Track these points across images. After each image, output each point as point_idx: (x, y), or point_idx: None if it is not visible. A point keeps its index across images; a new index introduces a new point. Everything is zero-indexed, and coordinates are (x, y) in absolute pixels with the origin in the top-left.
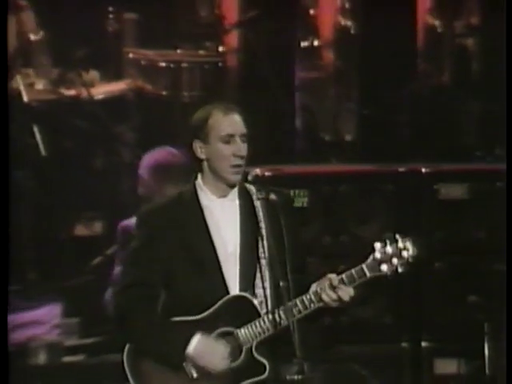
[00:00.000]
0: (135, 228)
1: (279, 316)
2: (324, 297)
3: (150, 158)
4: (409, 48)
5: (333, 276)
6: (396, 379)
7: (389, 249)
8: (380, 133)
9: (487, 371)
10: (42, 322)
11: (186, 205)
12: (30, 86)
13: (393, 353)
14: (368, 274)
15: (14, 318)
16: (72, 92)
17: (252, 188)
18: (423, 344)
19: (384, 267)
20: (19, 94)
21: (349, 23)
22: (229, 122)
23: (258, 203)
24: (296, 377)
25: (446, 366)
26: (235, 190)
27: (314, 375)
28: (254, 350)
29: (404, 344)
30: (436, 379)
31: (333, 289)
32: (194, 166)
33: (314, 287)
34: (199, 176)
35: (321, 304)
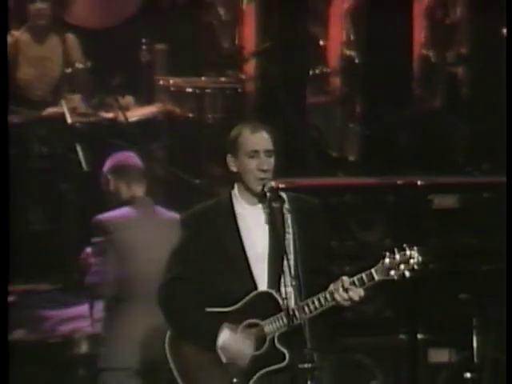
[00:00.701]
0: (179, 230)
1: (295, 314)
2: (337, 296)
3: (112, 159)
4: (406, 75)
5: (345, 278)
6: (395, 367)
7: (397, 256)
8: (380, 150)
9: (475, 360)
10: (86, 316)
11: (222, 211)
12: (73, 110)
13: (392, 344)
14: (376, 278)
15: (61, 313)
16: (110, 115)
17: (282, 197)
18: (419, 336)
19: (392, 272)
20: (64, 117)
21: (353, 54)
22: (255, 139)
23: (286, 212)
24: (307, 365)
25: (439, 356)
26: (265, 200)
27: (323, 364)
28: (276, 340)
29: (402, 336)
30: (430, 367)
31: (345, 290)
32: (231, 177)
33: (330, 287)
34: (236, 186)
35: (334, 303)
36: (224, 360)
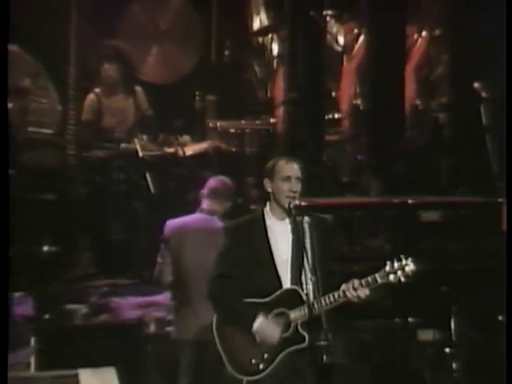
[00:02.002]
0: (223, 237)
1: (314, 306)
2: (348, 294)
3: (215, 180)
4: (400, 119)
5: (355, 280)
6: (391, 344)
7: (395, 265)
8: (381, 176)
9: (453, 338)
10: (159, 304)
11: (256, 224)
12: (143, 146)
13: (389, 326)
14: (379, 281)
15: (136, 300)
16: (171, 150)
17: (300, 214)
18: (409, 320)
19: (391, 277)
20: (136, 151)
21: (359, 102)
22: (288, 168)
23: (305, 225)
24: (323, 342)
25: (425, 335)
26: (291, 215)
27: (336, 341)
28: (299, 326)
29: (397, 320)
30: (418, 344)
31: (354, 289)
32: (263, 196)
33: (343, 286)
34: (267, 204)
35: (345, 299)
36: (258, 340)
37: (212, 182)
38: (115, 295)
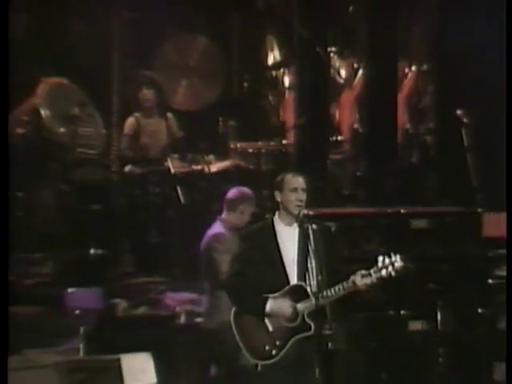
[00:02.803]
0: (238, 241)
1: (319, 298)
2: (356, 282)
3: (234, 190)
4: (393, 141)
5: (359, 272)
6: (386, 333)
7: (386, 261)
8: (377, 189)
9: (439, 328)
10: (194, 299)
11: (266, 230)
12: (174, 164)
13: (384, 317)
14: (373, 276)
15: (176, 296)
16: (198, 167)
17: (307, 222)
18: (401, 312)
19: (383, 272)
20: (168, 168)
21: (358, 126)
22: (295, 181)
23: (310, 231)
24: (328, 332)
25: (415, 325)
26: (296, 222)
27: (339, 330)
28: (305, 316)
29: (391, 312)
30: (409, 333)
31: (360, 279)
32: (274, 206)
33: (351, 278)
34: (277, 213)
35: (351, 289)
36: (270, 329)
37: (229, 192)
38: (153, 290)
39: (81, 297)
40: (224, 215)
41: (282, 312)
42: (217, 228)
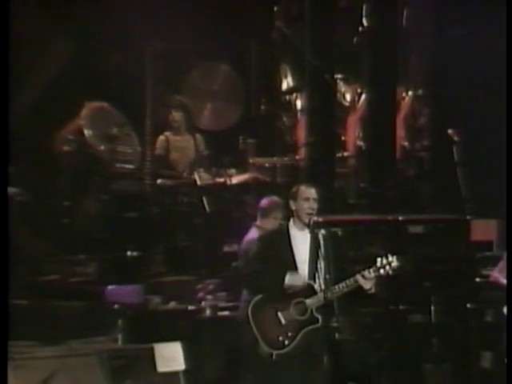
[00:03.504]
0: (257, 243)
1: (327, 294)
2: (360, 281)
3: (265, 200)
4: (392, 157)
5: (361, 271)
6: (387, 325)
7: (384, 261)
8: (378, 199)
9: (433, 320)
10: (218, 296)
11: (282, 234)
12: (200, 177)
13: (385, 311)
14: (372, 274)
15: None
16: (221, 180)
17: (317, 227)
18: (400, 307)
19: (381, 271)
20: (195, 181)
21: (362, 144)
22: (307, 191)
23: (320, 235)
24: (335, 324)
25: (413, 318)
26: (308, 228)
27: (345, 323)
28: (314, 310)
29: (391, 307)
30: (407, 325)
31: (363, 277)
32: (289, 213)
33: (356, 276)
34: (291, 219)
35: (356, 285)
36: (283, 321)
37: (262, 202)
38: (181, 289)
39: (119, 293)
40: (259, 222)
41: (298, 282)
42: (253, 233)
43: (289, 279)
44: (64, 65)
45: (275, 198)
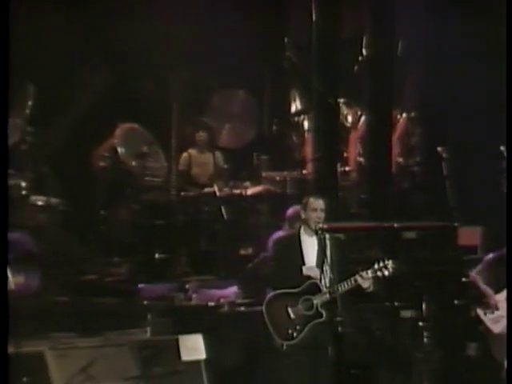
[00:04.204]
0: (272, 246)
1: (332, 291)
2: (359, 281)
3: (292, 209)
4: (388, 172)
5: (361, 272)
6: (383, 319)
7: (381, 264)
8: (377, 208)
9: (424, 316)
10: (229, 295)
11: (294, 239)
12: (220, 189)
13: (382, 307)
14: (370, 275)
15: (215, 292)
16: (238, 191)
17: (323, 233)
18: (395, 304)
19: (379, 273)
20: (215, 192)
21: (361, 160)
22: (315, 203)
23: (325, 240)
24: (338, 318)
25: (405, 314)
26: (316, 234)
27: (347, 318)
28: (319, 306)
29: (387, 303)
30: (401, 320)
31: (362, 277)
32: (300, 221)
33: (355, 276)
34: (302, 227)
35: (356, 284)
36: (292, 316)
37: (289, 211)
38: (204, 287)
39: (148, 291)
40: (286, 228)
41: (314, 272)
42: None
43: (306, 270)
44: (101, 91)
45: (297, 208)
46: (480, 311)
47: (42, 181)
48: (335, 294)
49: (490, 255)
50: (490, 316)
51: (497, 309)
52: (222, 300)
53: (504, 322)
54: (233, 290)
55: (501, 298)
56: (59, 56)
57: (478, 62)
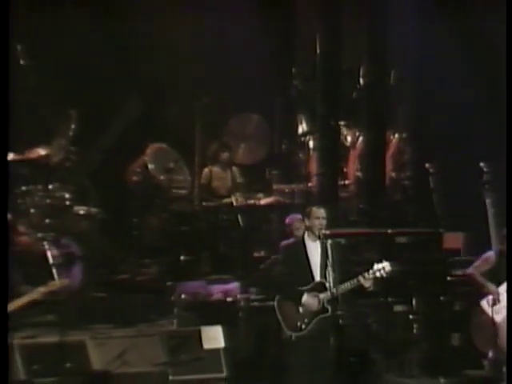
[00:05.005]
0: (281, 252)
1: (335, 290)
2: (361, 281)
3: (289, 217)
4: (382, 185)
5: (362, 274)
6: (378, 313)
7: (379, 265)
8: (373, 217)
9: (414, 309)
10: (231, 290)
11: (299, 244)
12: (236, 199)
13: (377, 302)
14: (371, 276)
15: (218, 287)
16: (252, 201)
17: (326, 239)
18: (388, 299)
19: (377, 274)
20: (232, 203)
21: (359, 174)
22: (318, 212)
23: (328, 245)
24: (339, 312)
25: (397, 308)
26: (319, 240)
27: (347, 312)
28: (325, 302)
29: (381, 299)
30: (394, 313)
31: (364, 278)
32: (305, 228)
33: (358, 277)
34: (306, 232)
35: (358, 284)
36: (301, 310)
37: (287, 219)
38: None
39: (175, 288)
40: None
41: (311, 306)
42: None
43: (305, 299)
44: (134, 116)
45: (296, 216)
46: (484, 303)
47: (84, 193)
48: (337, 292)
49: (488, 253)
50: (493, 307)
51: (499, 299)
52: (238, 296)
53: (504, 312)
54: (234, 285)
55: (501, 290)
56: (98, 85)
57: (463, 91)
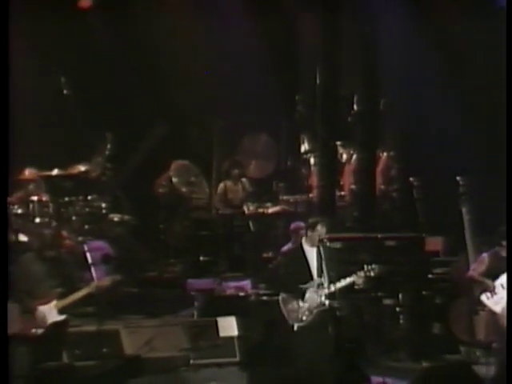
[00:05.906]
0: (281, 256)
1: (331, 287)
2: (354, 279)
3: (295, 223)
4: (373, 196)
5: (354, 274)
6: (369, 306)
7: (369, 267)
8: (365, 224)
9: (400, 303)
10: (244, 287)
11: (298, 249)
12: (247, 208)
13: (368, 297)
14: (362, 275)
15: (230, 285)
16: (261, 210)
17: (323, 242)
18: (378, 294)
19: (368, 273)
20: (244, 211)
21: (354, 187)
22: (321, 231)
23: (326, 248)
24: (336, 305)
25: (386, 301)
26: (316, 245)
27: (343, 305)
28: (322, 297)
29: (372, 294)
30: (383, 306)
31: (357, 277)
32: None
33: (353, 275)
34: (304, 238)
35: (352, 281)
36: (301, 304)
37: (291, 225)
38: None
39: (195, 284)
40: (292, 241)
41: (312, 300)
42: None
43: (307, 296)
44: (160, 137)
45: (299, 223)
46: (484, 297)
47: (118, 203)
48: (335, 288)
49: (482, 255)
50: (492, 300)
51: (495, 292)
52: (249, 291)
53: (503, 303)
54: (246, 282)
55: (498, 283)
56: (130, 110)
57: (444, 117)
